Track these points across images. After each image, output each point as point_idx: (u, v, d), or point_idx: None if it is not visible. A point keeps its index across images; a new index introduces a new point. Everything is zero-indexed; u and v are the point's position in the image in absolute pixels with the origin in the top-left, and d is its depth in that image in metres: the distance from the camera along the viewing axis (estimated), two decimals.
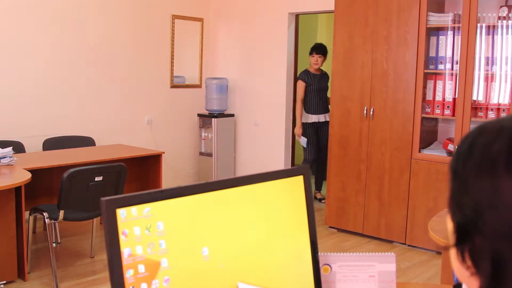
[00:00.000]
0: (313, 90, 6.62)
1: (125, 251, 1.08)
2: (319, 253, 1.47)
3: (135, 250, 1.09)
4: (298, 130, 6.71)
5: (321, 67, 6.75)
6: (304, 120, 6.71)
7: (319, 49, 6.62)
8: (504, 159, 0.70)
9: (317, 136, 6.75)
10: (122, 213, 1.08)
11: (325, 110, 6.70)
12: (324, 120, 6.69)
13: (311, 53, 6.64)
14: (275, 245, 1.35)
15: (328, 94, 6.48)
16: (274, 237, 1.34)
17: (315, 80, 6.64)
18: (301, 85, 6.65)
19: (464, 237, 0.75)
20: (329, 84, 6.49)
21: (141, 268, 1.10)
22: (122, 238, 1.07)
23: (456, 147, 0.80)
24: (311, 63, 6.66)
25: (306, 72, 6.68)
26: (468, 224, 0.74)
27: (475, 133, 0.77)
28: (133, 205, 1.09)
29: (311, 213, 1.42)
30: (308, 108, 6.68)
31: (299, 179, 1.41)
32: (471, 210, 0.73)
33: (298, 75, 6.81)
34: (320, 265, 1.52)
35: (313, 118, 6.67)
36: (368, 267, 1.58)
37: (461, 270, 0.78)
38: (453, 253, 0.79)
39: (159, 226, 1.13)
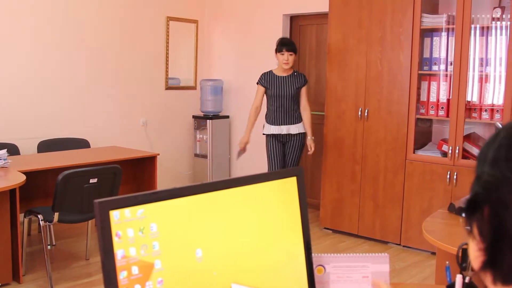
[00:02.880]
0: (272, 95, 5.55)
1: (118, 252, 1.08)
2: (313, 254, 1.47)
3: (128, 252, 1.09)
4: (243, 141, 5.77)
5: (293, 68, 5.69)
6: (265, 131, 5.69)
7: (290, 45, 5.51)
8: None
9: (284, 150, 5.65)
10: (115, 215, 1.08)
11: (291, 121, 5.57)
12: (289, 133, 5.57)
13: (279, 50, 5.51)
14: (268, 246, 1.35)
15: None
16: (267, 238, 1.35)
17: (277, 84, 5.53)
18: (258, 90, 5.65)
19: (475, 208, 0.84)
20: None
21: (135, 269, 1.10)
22: (115, 240, 1.08)
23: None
24: (279, 62, 5.56)
25: (268, 74, 5.63)
26: (480, 195, 0.84)
27: (505, 124, 0.88)
28: (126, 207, 1.10)
29: (304, 214, 1.43)
30: (267, 117, 5.68)
31: (293, 180, 1.42)
32: (485, 182, 0.83)
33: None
34: (314, 266, 1.52)
35: (274, 130, 5.59)
36: (362, 268, 1.59)
37: (472, 247, 0.86)
38: (470, 238, 0.87)
39: (153, 227, 1.13)
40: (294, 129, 5.58)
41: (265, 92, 5.61)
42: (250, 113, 5.71)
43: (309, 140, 5.58)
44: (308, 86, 5.73)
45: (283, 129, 5.56)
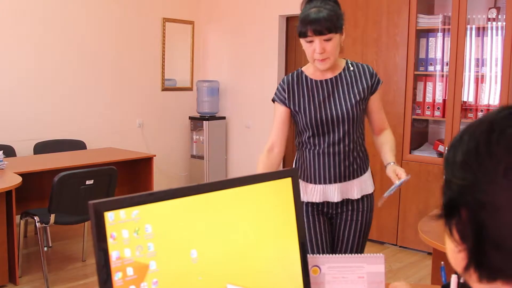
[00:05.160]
0: (307, 123, 2.62)
1: (113, 254, 1.08)
2: (308, 255, 1.47)
3: (123, 253, 1.09)
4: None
5: (347, 60, 2.70)
6: None
7: (322, 22, 2.44)
8: (484, 138, 0.83)
9: (329, 227, 2.72)
10: (110, 216, 1.08)
11: (351, 173, 2.66)
12: (347, 197, 2.67)
13: (302, 34, 2.49)
14: (264, 247, 1.35)
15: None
16: (263, 239, 1.35)
17: (316, 97, 2.63)
18: (276, 112, 2.73)
19: (452, 212, 0.86)
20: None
21: (130, 271, 1.10)
22: (110, 241, 1.08)
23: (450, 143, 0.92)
24: (308, 56, 2.57)
25: (294, 78, 2.68)
26: (455, 199, 0.85)
27: (465, 128, 0.89)
28: (121, 208, 1.10)
29: (299, 214, 1.43)
30: (299, 167, 2.74)
31: (288, 181, 1.42)
32: (459, 186, 0.84)
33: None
34: (309, 266, 1.52)
35: (314, 194, 2.65)
36: (357, 268, 1.59)
37: (452, 250, 0.88)
38: (447, 241, 0.89)
39: (148, 229, 1.13)
40: (356, 189, 2.67)
41: (294, 117, 2.70)
42: (258, 166, 2.70)
43: (392, 166, 2.59)
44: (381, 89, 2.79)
45: (334, 192, 2.64)
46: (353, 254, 1.64)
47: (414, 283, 4.49)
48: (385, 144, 2.84)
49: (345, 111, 2.61)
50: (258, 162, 2.72)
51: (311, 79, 2.66)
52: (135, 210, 1.12)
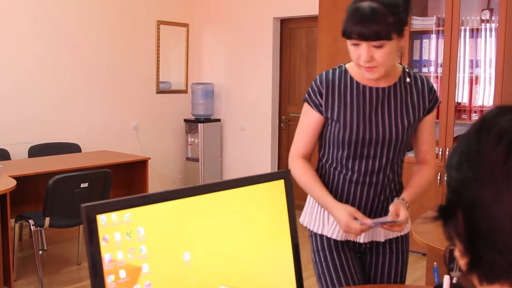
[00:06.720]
0: (348, 139, 2.09)
1: (105, 256, 1.08)
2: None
3: (116, 256, 1.10)
4: (353, 226, 2.01)
5: (404, 67, 2.17)
6: (313, 225, 2.26)
7: (371, 26, 1.88)
8: (474, 138, 0.86)
9: (355, 262, 2.21)
10: (102, 219, 1.09)
11: (384, 209, 2.21)
12: (379, 239, 2.23)
13: (347, 36, 1.95)
14: (257, 249, 1.35)
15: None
16: (255, 241, 1.35)
17: (364, 108, 2.09)
18: (310, 118, 2.15)
19: (450, 215, 0.87)
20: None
21: (122, 273, 1.11)
22: (102, 244, 1.08)
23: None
24: (353, 59, 2.03)
25: (336, 77, 2.16)
26: (451, 200, 0.87)
27: (460, 137, 0.91)
28: (113, 211, 1.10)
29: (292, 216, 1.43)
30: (331, 190, 2.17)
31: (280, 183, 1.42)
32: (454, 187, 0.86)
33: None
34: None
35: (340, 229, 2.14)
36: None
37: (457, 255, 0.88)
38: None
39: (140, 231, 1.14)
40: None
41: (326, 127, 2.18)
42: (296, 176, 2.16)
43: (398, 204, 2.15)
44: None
45: (373, 229, 2.18)
46: None
47: (409, 284, 4.50)
48: (414, 180, 2.33)
49: (394, 134, 2.12)
50: (299, 170, 2.15)
51: (358, 83, 2.11)
52: (127, 213, 1.12)
